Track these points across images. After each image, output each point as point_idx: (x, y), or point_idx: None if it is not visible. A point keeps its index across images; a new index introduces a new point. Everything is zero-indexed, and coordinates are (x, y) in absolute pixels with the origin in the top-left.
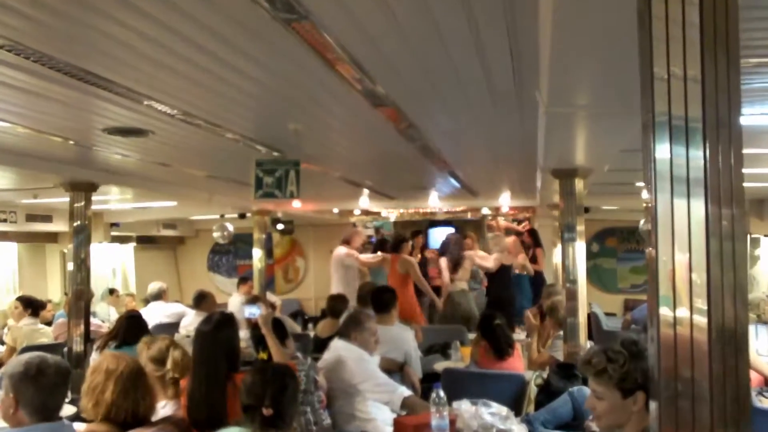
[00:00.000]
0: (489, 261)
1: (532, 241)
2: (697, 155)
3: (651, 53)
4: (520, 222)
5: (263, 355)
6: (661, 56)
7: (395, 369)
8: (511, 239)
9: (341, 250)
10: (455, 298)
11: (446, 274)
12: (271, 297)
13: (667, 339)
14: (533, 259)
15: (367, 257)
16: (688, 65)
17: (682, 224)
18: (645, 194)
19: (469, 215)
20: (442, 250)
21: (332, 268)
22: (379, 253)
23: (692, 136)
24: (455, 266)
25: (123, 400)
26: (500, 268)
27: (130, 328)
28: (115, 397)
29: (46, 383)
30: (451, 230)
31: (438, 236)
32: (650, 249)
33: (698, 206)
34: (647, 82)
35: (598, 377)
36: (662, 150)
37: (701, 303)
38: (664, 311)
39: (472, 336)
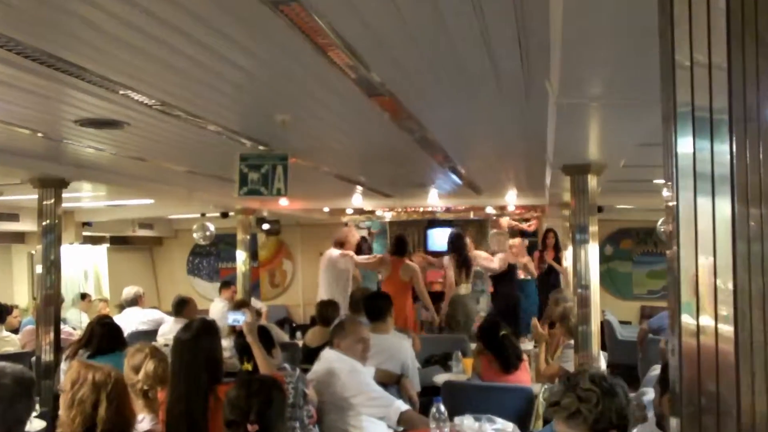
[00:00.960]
0: (493, 262)
1: (554, 242)
2: (723, 150)
3: (672, 38)
4: (527, 221)
5: (248, 366)
6: (684, 42)
7: (391, 381)
8: (517, 241)
9: (334, 252)
10: (461, 302)
11: (451, 275)
12: (256, 303)
13: (689, 349)
14: (551, 261)
15: (363, 259)
16: (713, 51)
17: (707, 225)
18: (666, 192)
19: (472, 215)
20: (450, 249)
21: (322, 270)
22: (375, 254)
23: (717, 128)
24: (465, 267)
25: (116, 415)
26: (507, 269)
27: (105, 336)
28: (111, 414)
29: (2, 394)
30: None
31: (438, 237)
32: (671, 252)
33: (724, 205)
34: (668, 70)
35: (570, 420)
36: (685, 144)
37: (727, 310)
38: (687, 319)
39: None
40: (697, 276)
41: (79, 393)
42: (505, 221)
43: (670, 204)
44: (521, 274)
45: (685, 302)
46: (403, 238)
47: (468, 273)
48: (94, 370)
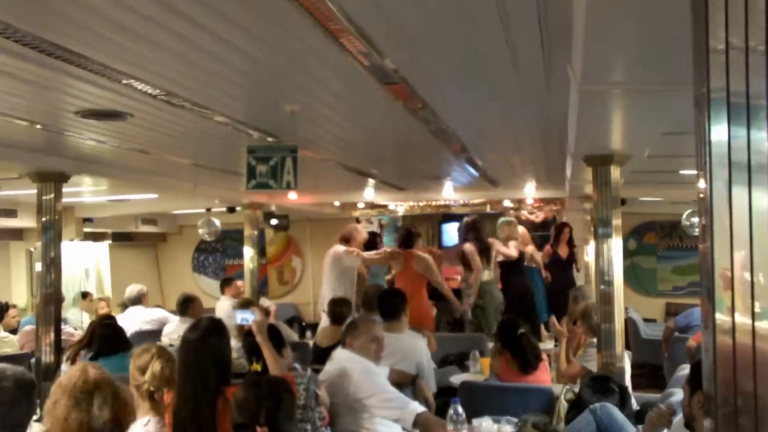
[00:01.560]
0: (511, 249)
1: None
2: (761, 137)
3: (706, 19)
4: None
5: (257, 367)
6: (719, 23)
7: (406, 382)
8: (523, 230)
9: (339, 248)
10: (487, 289)
11: (478, 260)
12: (264, 301)
13: (724, 348)
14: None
15: (371, 254)
16: (750, 33)
17: (742, 217)
18: (701, 184)
19: (488, 208)
20: (465, 235)
21: (326, 268)
22: (385, 248)
23: (755, 115)
24: (486, 253)
25: (73, 412)
26: (518, 258)
27: (107, 337)
28: (65, 412)
29: (3, 397)
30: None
31: (453, 232)
32: (704, 246)
33: (761, 196)
34: (701, 53)
35: None
36: (719, 131)
37: (764, 307)
38: (721, 317)
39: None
40: (732, 271)
41: (52, 397)
42: (522, 214)
43: (703, 195)
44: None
45: (719, 299)
46: (411, 230)
47: (489, 259)
48: (71, 370)
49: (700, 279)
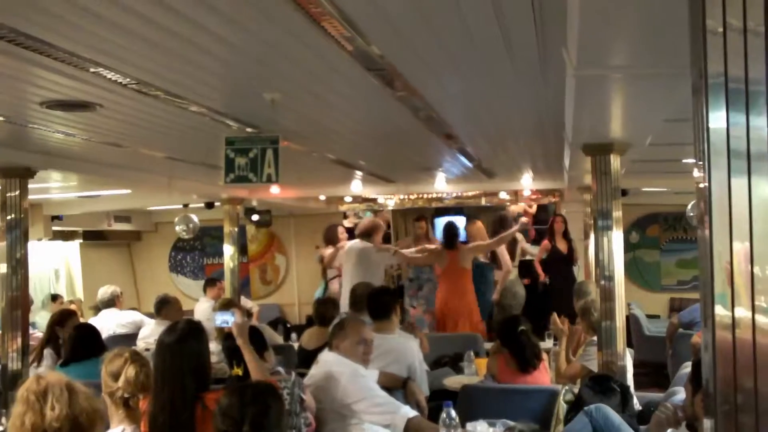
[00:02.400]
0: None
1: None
2: (760, 124)
3: (703, 0)
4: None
5: (238, 371)
6: (716, 4)
7: (397, 385)
8: (479, 225)
9: (360, 243)
10: (512, 287)
11: (507, 259)
12: (246, 302)
13: (724, 344)
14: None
15: (410, 251)
16: (748, 15)
17: (742, 207)
18: (696, 172)
19: (483, 201)
20: (495, 228)
21: (350, 265)
22: (424, 245)
23: (754, 101)
24: (511, 250)
25: (27, 416)
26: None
27: (80, 340)
28: (20, 417)
29: None
30: (461, 219)
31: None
32: (703, 238)
33: (761, 185)
34: (698, 36)
35: None
36: (717, 119)
37: (765, 301)
38: (721, 311)
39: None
40: (731, 264)
41: (18, 406)
42: (520, 207)
43: (701, 185)
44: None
45: (718, 293)
46: (454, 225)
47: (514, 256)
48: (36, 378)
49: (699, 272)
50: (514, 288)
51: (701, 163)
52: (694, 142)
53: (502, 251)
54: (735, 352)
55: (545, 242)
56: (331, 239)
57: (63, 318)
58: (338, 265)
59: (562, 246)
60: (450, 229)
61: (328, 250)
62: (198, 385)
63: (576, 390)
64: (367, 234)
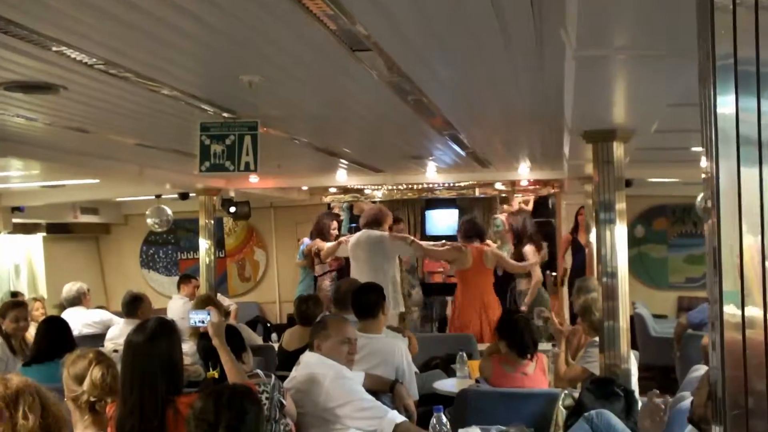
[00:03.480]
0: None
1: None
2: None
3: None
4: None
5: (214, 374)
6: None
7: (384, 389)
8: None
9: (368, 233)
10: (540, 295)
11: (539, 271)
12: (223, 300)
13: (733, 345)
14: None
15: (433, 246)
16: None
17: (752, 199)
18: (703, 161)
19: (477, 192)
20: (521, 233)
21: (358, 257)
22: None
23: (766, 84)
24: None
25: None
26: None
27: (47, 337)
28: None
29: None
30: (454, 212)
31: (438, 220)
32: (710, 231)
33: None
34: (705, 12)
35: None
36: (725, 104)
37: None
38: (730, 310)
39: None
40: (741, 259)
41: None
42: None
43: (708, 175)
44: None
45: (728, 291)
46: (476, 221)
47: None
48: (2, 381)
49: (707, 269)
50: (543, 295)
51: (708, 151)
52: (701, 129)
53: (529, 254)
54: (745, 354)
55: (566, 235)
56: (377, 220)
57: (4, 309)
58: (330, 261)
59: (582, 239)
60: (476, 224)
61: (320, 243)
62: (169, 388)
63: (576, 394)
64: (377, 222)
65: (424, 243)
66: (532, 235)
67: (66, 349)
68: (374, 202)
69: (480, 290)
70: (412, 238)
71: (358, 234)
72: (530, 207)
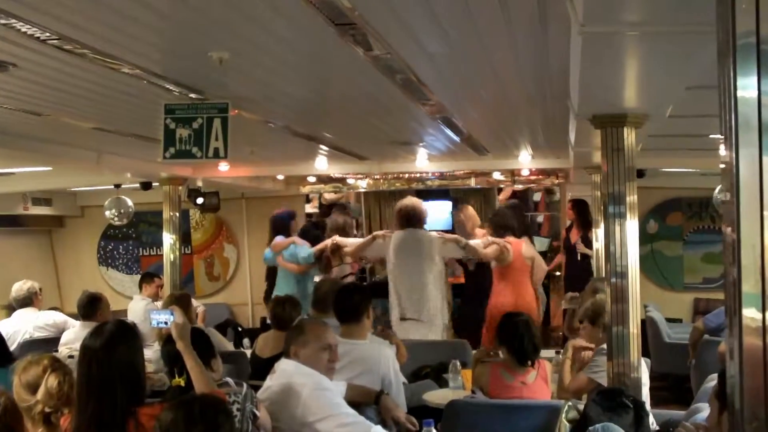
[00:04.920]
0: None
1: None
2: None
3: None
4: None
5: (180, 381)
6: None
7: (369, 401)
8: (468, 210)
9: (412, 233)
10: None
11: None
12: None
13: (753, 352)
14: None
15: (478, 243)
16: None
17: None
18: (722, 150)
19: (473, 182)
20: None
21: (399, 259)
22: (489, 238)
23: None
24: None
25: None
26: None
27: None
28: None
29: None
30: (447, 204)
31: (431, 213)
32: (728, 228)
33: None
34: None
35: None
36: (746, 87)
37: None
38: (750, 314)
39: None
40: (763, 258)
41: None
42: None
43: (727, 164)
44: None
45: (747, 293)
46: (506, 213)
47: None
48: None
49: (725, 269)
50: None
51: (727, 138)
52: (720, 114)
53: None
54: (766, 361)
55: (575, 230)
56: (419, 218)
57: None
58: (353, 262)
59: (576, 237)
60: (507, 217)
61: (341, 239)
62: (130, 398)
63: (581, 406)
64: (419, 221)
65: (472, 242)
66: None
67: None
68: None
69: (524, 286)
70: (466, 241)
71: (401, 233)
72: (503, 197)
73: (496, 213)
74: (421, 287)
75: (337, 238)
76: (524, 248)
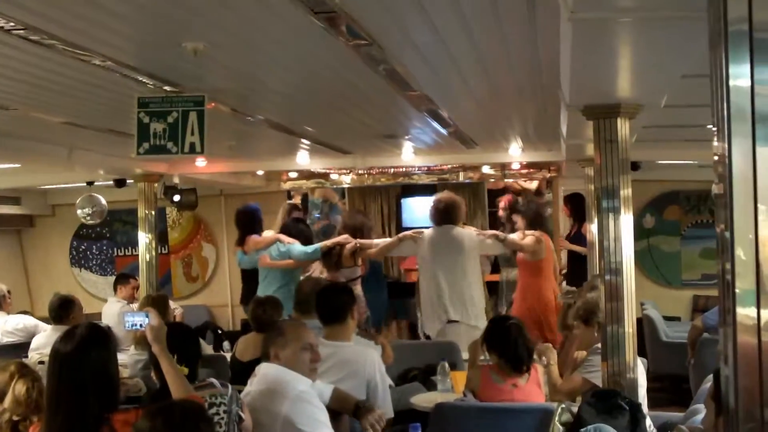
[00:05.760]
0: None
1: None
2: None
3: None
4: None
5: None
6: None
7: (347, 410)
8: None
9: (447, 229)
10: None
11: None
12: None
13: (747, 351)
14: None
15: (514, 236)
16: None
17: None
18: (715, 141)
19: (461, 176)
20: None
21: (436, 257)
22: (524, 231)
23: None
24: None
25: None
26: None
27: None
28: None
29: None
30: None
31: (417, 208)
32: (721, 220)
33: None
34: None
35: None
36: (739, 75)
37: None
38: (744, 312)
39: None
40: (757, 254)
41: None
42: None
43: (720, 156)
44: None
45: (742, 290)
46: (540, 207)
47: None
48: None
49: (718, 265)
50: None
51: (720, 129)
52: (712, 104)
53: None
54: (761, 361)
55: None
56: (457, 214)
57: None
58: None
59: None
60: (540, 211)
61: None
62: (103, 404)
63: (575, 409)
64: (456, 216)
65: (510, 235)
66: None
67: None
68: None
69: (550, 279)
70: (505, 235)
71: (438, 230)
72: (533, 188)
73: (530, 206)
74: (463, 287)
75: (360, 241)
76: (551, 243)
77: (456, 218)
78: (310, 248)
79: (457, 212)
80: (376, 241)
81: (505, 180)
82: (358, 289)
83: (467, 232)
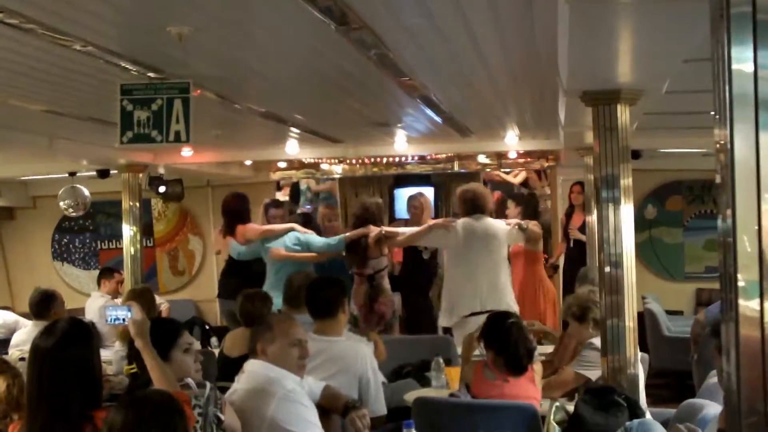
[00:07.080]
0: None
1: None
2: None
3: None
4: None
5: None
6: None
7: (337, 410)
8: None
9: (479, 221)
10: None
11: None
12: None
13: (750, 344)
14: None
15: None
16: None
17: None
18: (716, 128)
19: (456, 166)
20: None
21: (467, 249)
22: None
23: None
24: None
25: None
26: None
27: None
28: None
29: None
30: (428, 190)
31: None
32: (723, 210)
33: None
34: None
35: None
36: (742, 59)
37: None
38: (747, 305)
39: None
40: (760, 246)
41: None
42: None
43: (721, 143)
44: None
45: (744, 282)
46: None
47: None
48: None
49: (719, 256)
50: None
51: (722, 115)
52: (713, 90)
53: None
54: (764, 354)
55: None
56: (487, 205)
57: None
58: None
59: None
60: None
61: (387, 228)
62: (86, 401)
63: (570, 407)
64: (485, 205)
65: (533, 222)
66: None
67: None
68: (332, 179)
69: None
70: (525, 223)
71: (470, 220)
72: (519, 180)
73: (531, 196)
74: (497, 278)
75: (387, 228)
76: None
77: (485, 208)
78: (333, 240)
79: (486, 201)
80: (402, 229)
81: (486, 171)
82: (386, 282)
83: (500, 222)
